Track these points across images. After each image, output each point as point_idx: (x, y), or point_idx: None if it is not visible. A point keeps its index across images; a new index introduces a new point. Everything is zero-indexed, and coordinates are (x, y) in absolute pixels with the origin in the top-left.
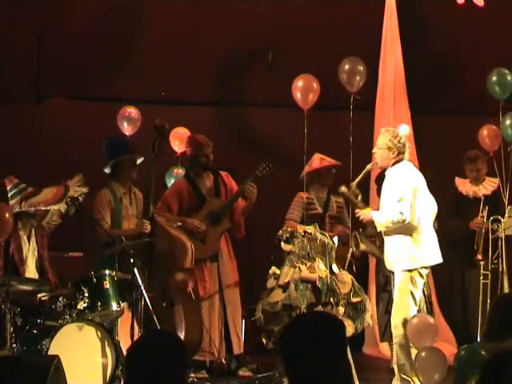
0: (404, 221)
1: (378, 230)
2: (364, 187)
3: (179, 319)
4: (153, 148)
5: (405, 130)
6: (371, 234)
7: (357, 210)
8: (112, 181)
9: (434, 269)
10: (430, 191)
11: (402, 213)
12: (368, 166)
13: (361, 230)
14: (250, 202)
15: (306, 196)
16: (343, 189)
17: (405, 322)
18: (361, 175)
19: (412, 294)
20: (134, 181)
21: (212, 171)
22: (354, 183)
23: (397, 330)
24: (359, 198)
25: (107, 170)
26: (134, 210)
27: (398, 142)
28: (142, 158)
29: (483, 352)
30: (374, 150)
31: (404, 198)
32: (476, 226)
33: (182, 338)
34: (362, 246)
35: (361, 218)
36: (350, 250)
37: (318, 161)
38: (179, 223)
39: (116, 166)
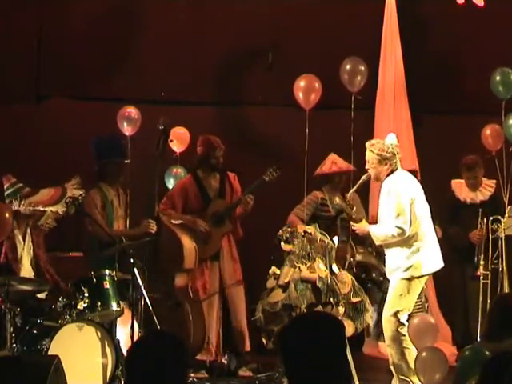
0: (403, 234)
1: (376, 243)
2: (363, 194)
3: (186, 319)
4: (157, 147)
5: (391, 139)
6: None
7: (353, 224)
8: (101, 182)
9: (436, 271)
10: (430, 192)
11: (400, 228)
12: (363, 177)
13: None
14: (245, 211)
15: (321, 197)
16: (338, 200)
17: (396, 325)
18: (356, 186)
19: (406, 300)
20: (123, 182)
21: (219, 171)
22: (349, 194)
23: (388, 332)
24: (354, 209)
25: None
26: (122, 211)
27: (387, 152)
28: (128, 161)
29: (487, 352)
30: (366, 167)
31: (402, 212)
32: (475, 240)
33: (191, 338)
34: (359, 257)
35: (357, 231)
36: (347, 261)
37: (328, 165)
38: (182, 221)
39: (103, 168)
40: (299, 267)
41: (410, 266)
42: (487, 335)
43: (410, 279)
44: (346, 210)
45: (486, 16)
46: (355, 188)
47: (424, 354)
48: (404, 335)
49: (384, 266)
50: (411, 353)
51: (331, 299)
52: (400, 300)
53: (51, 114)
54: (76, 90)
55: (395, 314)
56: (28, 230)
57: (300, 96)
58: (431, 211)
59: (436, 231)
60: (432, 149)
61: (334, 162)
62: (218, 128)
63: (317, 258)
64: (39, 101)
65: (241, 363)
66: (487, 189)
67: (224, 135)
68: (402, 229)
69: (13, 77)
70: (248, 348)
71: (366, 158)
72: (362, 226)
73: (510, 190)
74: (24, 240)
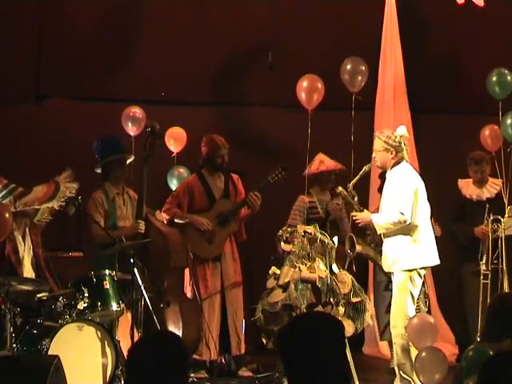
0: (405, 221)
1: (378, 232)
2: (364, 187)
3: (176, 318)
4: (144, 149)
5: (402, 130)
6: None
7: (354, 213)
8: (104, 182)
9: (435, 269)
10: (431, 192)
11: (402, 213)
12: (365, 168)
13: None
14: (253, 211)
15: (309, 200)
16: (340, 189)
17: (404, 322)
18: (358, 176)
19: (411, 293)
20: (128, 181)
21: (224, 172)
22: (351, 184)
23: (396, 330)
24: (355, 199)
25: (98, 171)
26: (128, 211)
27: (393, 141)
28: (132, 157)
29: (491, 353)
30: (373, 155)
31: (405, 199)
32: (481, 234)
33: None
34: (358, 248)
35: (358, 220)
36: (347, 261)
37: (316, 164)
38: (187, 220)
39: (106, 167)
40: (299, 267)
41: (411, 256)
42: (486, 335)
43: (410, 270)
44: (348, 199)
45: (486, 16)
46: (357, 178)
47: (424, 353)
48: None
49: (381, 258)
50: (414, 352)
51: (331, 299)
52: (406, 295)
53: (51, 114)
54: (76, 90)
55: (403, 312)
56: (27, 230)
57: (303, 96)
58: (431, 210)
59: (435, 230)
60: (432, 149)
61: (321, 162)
62: (219, 128)
63: (317, 258)
64: (39, 101)
65: (241, 363)
66: (493, 187)
67: (225, 136)
68: (404, 214)
69: (13, 77)
70: (243, 350)
71: (374, 146)
72: (364, 216)
73: (509, 190)
74: (24, 241)
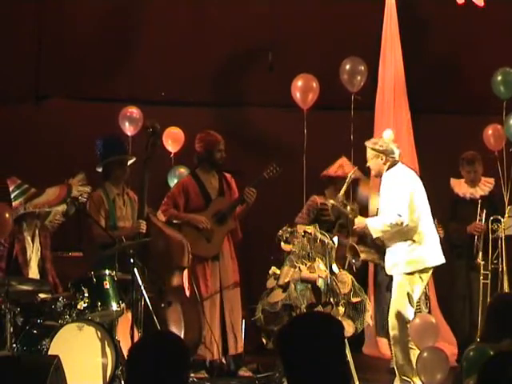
0: (402, 223)
1: (374, 236)
2: None
3: (177, 318)
4: (146, 148)
5: (387, 134)
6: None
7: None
8: (105, 182)
9: (435, 269)
10: (430, 192)
11: (399, 215)
12: (350, 174)
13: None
14: (247, 205)
15: (321, 202)
16: (332, 202)
17: (402, 324)
18: (345, 185)
19: (409, 295)
20: (128, 181)
21: (217, 171)
22: (341, 194)
23: (394, 331)
24: (348, 208)
25: (99, 170)
26: (128, 211)
27: (380, 146)
28: (134, 159)
29: (492, 353)
30: (367, 165)
31: (400, 200)
32: (475, 231)
33: (182, 337)
34: (363, 256)
35: (354, 227)
36: (347, 261)
37: (335, 168)
38: (186, 219)
39: (107, 167)
40: (299, 267)
41: (411, 260)
42: (486, 335)
43: (411, 273)
44: (340, 209)
45: (486, 16)
46: (345, 187)
47: (425, 354)
48: (409, 335)
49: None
50: (416, 354)
51: (331, 299)
52: (404, 297)
53: (51, 114)
54: (76, 90)
55: (401, 313)
56: (36, 232)
57: (298, 96)
58: (432, 210)
59: (438, 231)
60: (432, 149)
61: (341, 166)
62: (219, 128)
63: (317, 258)
64: (39, 101)
65: (240, 363)
66: (486, 185)
67: (224, 136)
68: (401, 216)
69: (13, 77)
70: (240, 349)
71: (367, 156)
72: (358, 222)
73: (510, 190)
74: (33, 242)
